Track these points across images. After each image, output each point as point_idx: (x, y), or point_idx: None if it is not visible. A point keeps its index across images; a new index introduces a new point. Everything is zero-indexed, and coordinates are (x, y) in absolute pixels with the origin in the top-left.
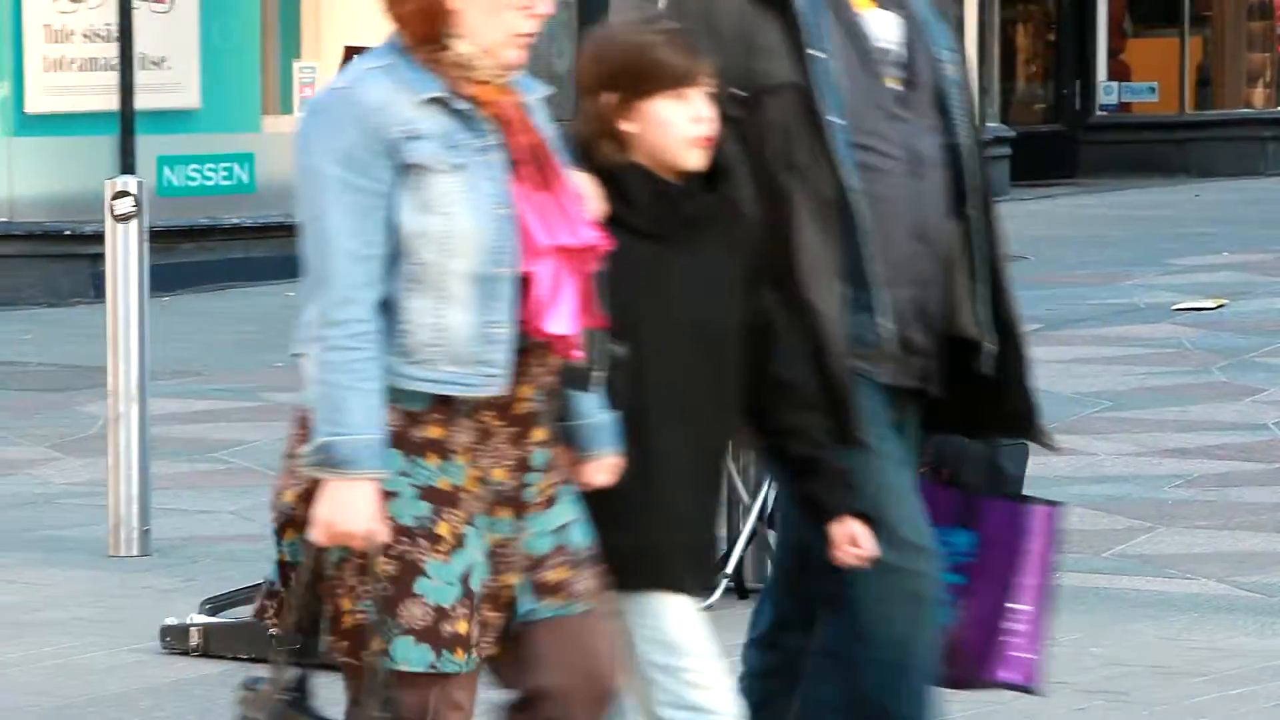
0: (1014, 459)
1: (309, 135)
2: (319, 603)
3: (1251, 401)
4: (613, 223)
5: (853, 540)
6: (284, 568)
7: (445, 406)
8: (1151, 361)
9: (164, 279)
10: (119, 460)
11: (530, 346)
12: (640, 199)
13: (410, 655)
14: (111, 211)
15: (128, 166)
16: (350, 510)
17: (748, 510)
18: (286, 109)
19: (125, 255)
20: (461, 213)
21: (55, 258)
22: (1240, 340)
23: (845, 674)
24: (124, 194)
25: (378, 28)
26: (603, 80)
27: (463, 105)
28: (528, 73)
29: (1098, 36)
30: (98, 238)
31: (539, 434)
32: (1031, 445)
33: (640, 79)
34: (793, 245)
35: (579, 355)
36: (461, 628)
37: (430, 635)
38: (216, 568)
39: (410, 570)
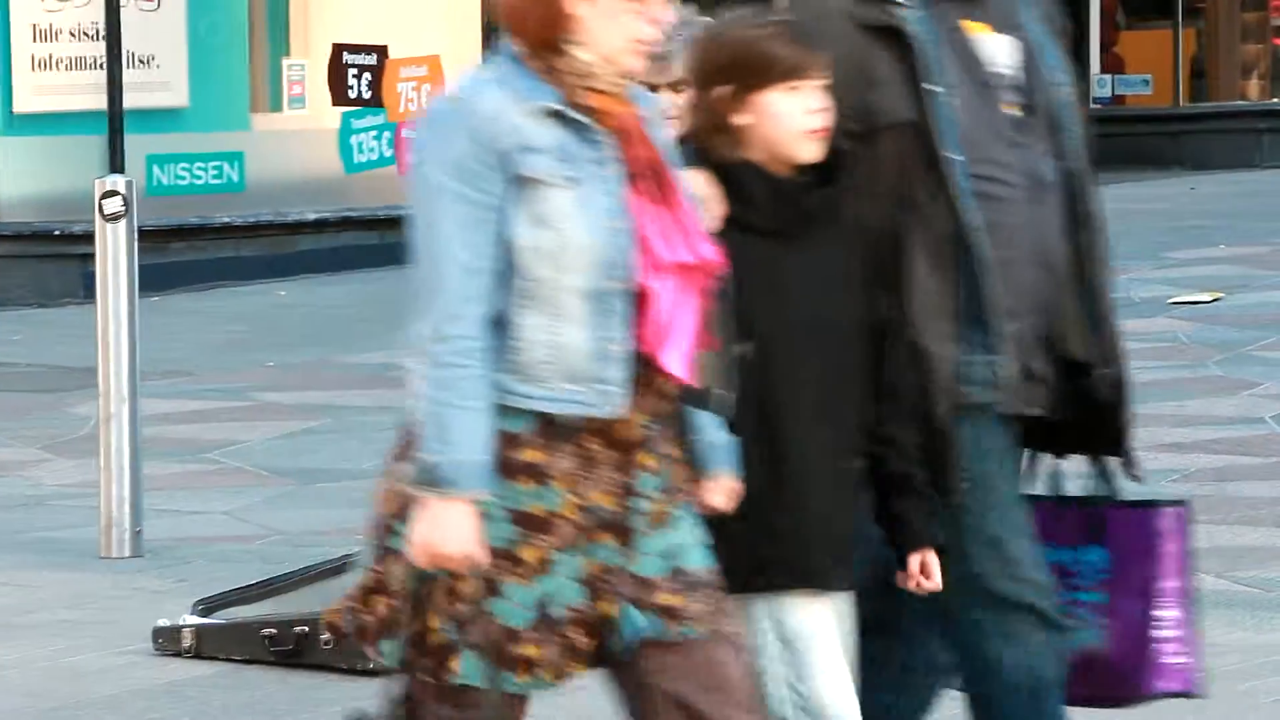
0: None
1: (421, 145)
2: (409, 618)
3: (1248, 395)
4: (730, 221)
5: (925, 571)
6: (375, 576)
7: (547, 430)
8: (1147, 356)
9: (154, 278)
10: (110, 461)
11: (644, 369)
12: (757, 195)
13: (477, 674)
14: (101, 211)
15: (116, 166)
16: (449, 531)
17: None
18: (276, 107)
19: (115, 255)
20: (575, 227)
21: (44, 258)
22: (1237, 334)
23: (979, 710)
24: (113, 193)
25: (365, 25)
26: (714, 74)
27: (579, 116)
28: None
29: (1091, 29)
30: (87, 237)
31: (647, 459)
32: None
33: (752, 71)
34: (905, 285)
35: (687, 381)
36: (530, 651)
37: (496, 654)
38: (209, 569)
39: (488, 588)
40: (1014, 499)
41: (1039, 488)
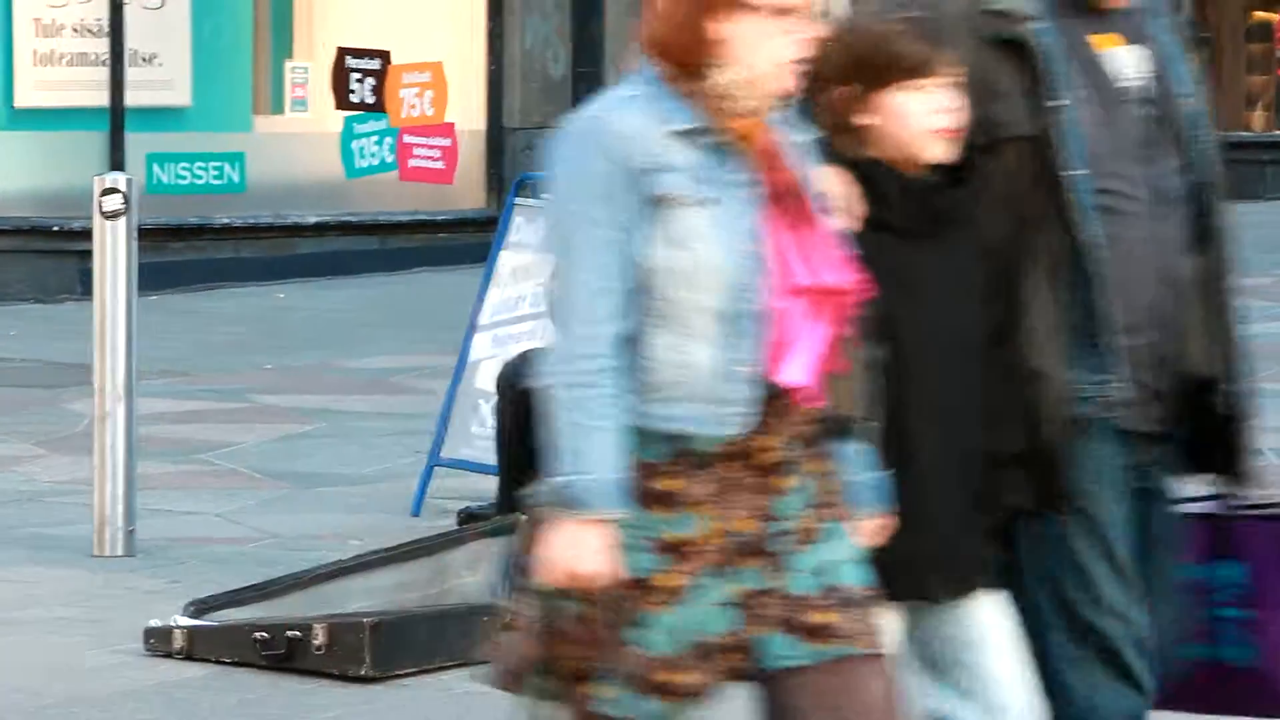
0: None
1: (557, 162)
2: (548, 649)
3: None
4: (866, 220)
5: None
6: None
7: (683, 456)
8: None
9: (153, 277)
10: (105, 459)
11: (777, 392)
12: (890, 193)
13: (626, 705)
14: (100, 208)
15: (117, 163)
16: (584, 551)
17: None
18: (278, 109)
19: (114, 252)
20: (708, 248)
21: (43, 254)
22: None
23: None
24: (113, 191)
25: (369, 29)
26: (840, 72)
27: (718, 138)
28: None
29: None
30: (86, 234)
31: (786, 482)
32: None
33: (877, 70)
34: (1022, 300)
35: (819, 404)
36: (672, 678)
37: (638, 682)
38: (201, 570)
39: (627, 617)
40: (1117, 527)
41: (1167, 504)
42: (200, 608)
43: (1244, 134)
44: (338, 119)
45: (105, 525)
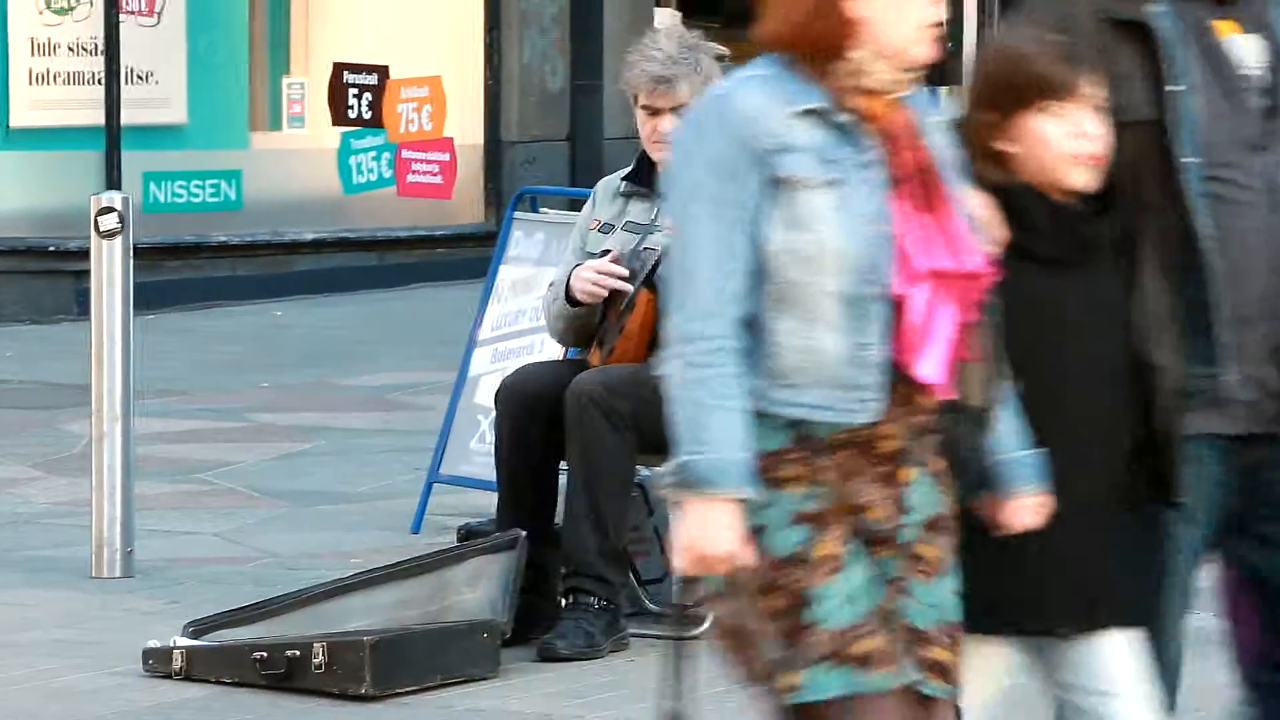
0: None
1: (681, 142)
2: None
3: None
4: (1009, 247)
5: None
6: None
7: (806, 446)
8: None
9: (149, 296)
10: (102, 480)
11: (901, 379)
12: (1038, 221)
13: (825, 683)
14: (96, 227)
15: (113, 182)
16: (713, 532)
17: None
18: (275, 125)
19: (110, 272)
20: (832, 230)
21: (39, 274)
22: None
23: None
24: (109, 210)
25: (367, 45)
26: (982, 96)
27: (844, 118)
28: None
29: None
30: (82, 254)
31: (909, 474)
32: None
33: (1017, 93)
34: (1134, 290)
35: (951, 394)
36: (870, 644)
37: (840, 658)
38: (200, 590)
39: (799, 599)
40: (1182, 549)
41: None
42: (199, 628)
43: None
44: (335, 135)
45: (103, 546)
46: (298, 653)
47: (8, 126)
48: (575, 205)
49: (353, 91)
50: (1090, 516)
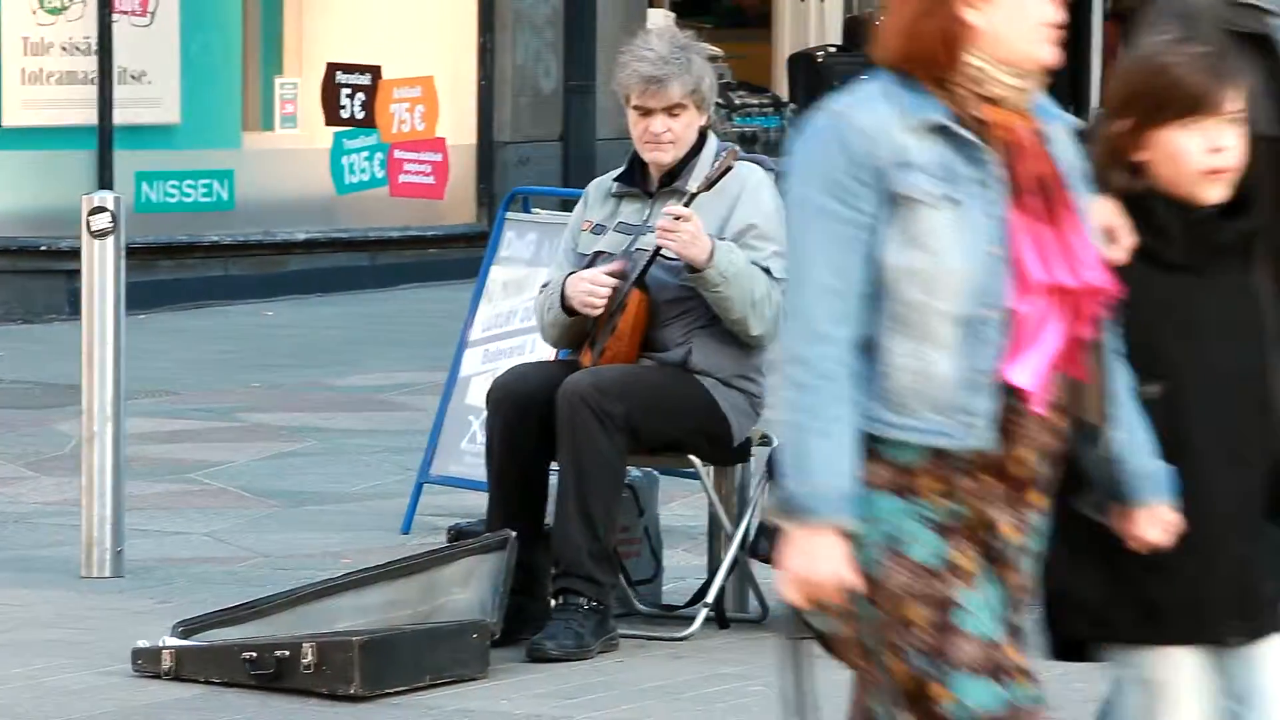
0: None
1: (796, 158)
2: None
3: None
4: (1138, 253)
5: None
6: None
7: (939, 462)
8: None
9: (141, 296)
10: (92, 480)
11: (1021, 401)
12: (1170, 227)
13: (980, 696)
14: (88, 227)
15: (105, 182)
16: (817, 561)
17: (729, 539)
18: (268, 125)
19: (102, 271)
20: (950, 250)
21: (30, 273)
22: None
23: None
24: (101, 209)
25: (359, 45)
26: (1119, 104)
27: (965, 132)
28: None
29: (1091, 62)
30: (74, 253)
31: (1038, 499)
32: None
33: (1154, 105)
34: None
35: (1056, 410)
36: (1016, 656)
37: (990, 669)
38: (190, 590)
39: (944, 607)
40: None
41: None
42: (189, 628)
43: None
44: (327, 135)
45: (93, 546)
46: (287, 653)
47: (0, 126)
48: (567, 206)
49: (345, 92)
50: (1242, 520)
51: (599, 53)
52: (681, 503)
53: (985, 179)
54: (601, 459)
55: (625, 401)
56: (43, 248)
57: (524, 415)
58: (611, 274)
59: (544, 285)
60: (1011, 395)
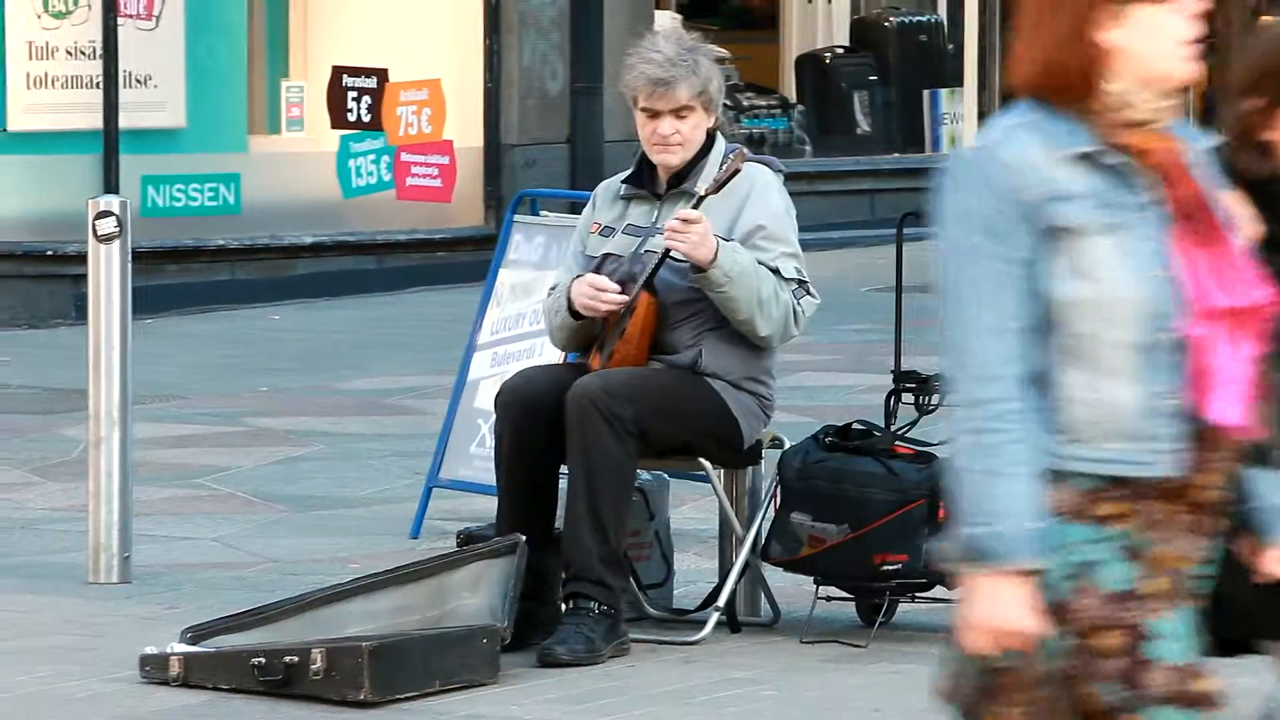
0: None
1: (945, 198)
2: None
3: None
4: (1264, 241)
5: None
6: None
7: (1120, 487)
8: None
9: (147, 301)
10: (100, 485)
11: (1207, 426)
12: None
13: None
14: (94, 232)
15: (111, 186)
16: (1004, 608)
17: (740, 542)
18: (274, 129)
19: (108, 276)
20: (1117, 278)
21: (36, 278)
22: None
23: None
24: (107, 214)
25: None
26: (1248, 84)
27: (1117, 159)
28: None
29: None
30: (80, 258)
31: (1216, 521)
32: None
33: None
34: None
35: (1256, 434)
36: (1209, 685)
37: (1183, 697)
38: (198, 596)
39: (1137, 635)
40: None
41: None
42: (197, 634)
43: None
44: (334, 138)
45: (100, 552)
46: (296, 659)
47: (5, 130)
48: (575, 208)
49: (352, 95)
50: None
51: (606, 54)
52: (692, 506)
53: (1142, 204)
54: (611, 462)
55: (635, 404)
56: (48, 253)
57: (533, 418)
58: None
59: (552, 288)
60: (1196, 421)
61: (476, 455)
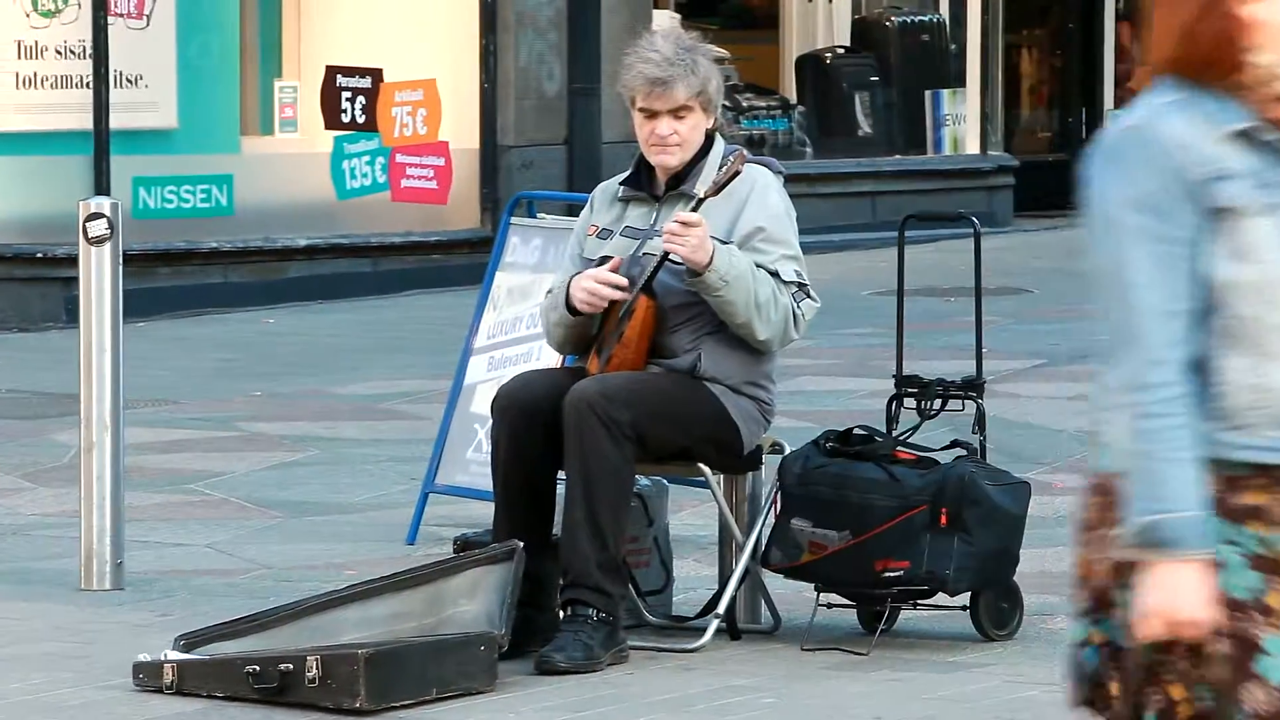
0: (1016, 497)
1: (1102, 180)
2: (1146, 690)
3: None
4: None
5: None
6: (1105, 650)
7: (1267, 473)
8: None
9: (139, 304)
10: (91, 491)
11: None
12: None
13: None
14: (85, 234)
15: (102, 188)
16: (1182, 595)
17: (740, 549)
18: (266, 130)
19: (99, 279)
20: (1279, 259)
21: (26, 281)
22: None
23: None
24: (98, 216)
25: (360, 47)
26: None
27: (1274, 135)
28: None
29: (1105, 63)
30: (71, 261)
31: None
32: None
33: None
34: None
35: None
36: None
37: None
38: (191, 602)
39: (1248, 647)
40: None
41: None
42: (190, 641)
43: None
44: (328, 139)
45: (92, 558)
46: (291, 666)
47: None
48: (573, 210)
49: (346, 95)
50: None
51: (603, 55)
52: (691, 512)
53: None
54: (609, 467)
55: (633, 409)
56: (39, 255)
57: (530, 423)
58: (613, 270)
59: (549, 292)
60: None
61: (473, 460)
